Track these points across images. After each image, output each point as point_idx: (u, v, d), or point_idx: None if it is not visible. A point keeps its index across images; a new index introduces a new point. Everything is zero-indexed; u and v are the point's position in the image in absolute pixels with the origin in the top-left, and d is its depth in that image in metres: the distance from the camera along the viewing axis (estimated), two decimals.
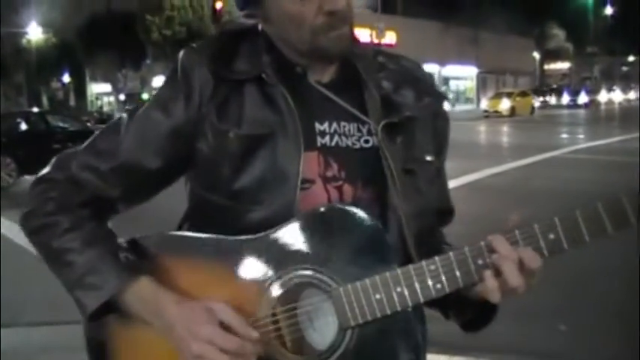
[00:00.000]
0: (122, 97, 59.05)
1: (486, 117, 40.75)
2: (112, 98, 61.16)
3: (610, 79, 77.43)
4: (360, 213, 1.16)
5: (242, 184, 1.21)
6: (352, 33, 1.26)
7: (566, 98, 57.37)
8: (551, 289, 5.58)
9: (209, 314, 1.13)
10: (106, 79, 56.40)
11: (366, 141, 1.27)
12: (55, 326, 4.97)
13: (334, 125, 1.26)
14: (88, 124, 18.27)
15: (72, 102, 59.29)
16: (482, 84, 66.35)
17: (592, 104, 55.59)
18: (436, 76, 62.64)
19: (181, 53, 1.28)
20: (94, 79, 59.89)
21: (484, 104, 41.29)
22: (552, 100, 59.31)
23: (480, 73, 66.08)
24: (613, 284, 5.56)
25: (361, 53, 1.33)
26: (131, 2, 47.19)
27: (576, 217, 1.08)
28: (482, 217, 6.82)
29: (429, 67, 59.86)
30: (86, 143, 1.29)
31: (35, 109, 22.36)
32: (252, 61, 1.25)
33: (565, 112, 46.16)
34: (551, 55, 78.01)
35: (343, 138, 1.26)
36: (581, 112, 46.19)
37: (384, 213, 1.24)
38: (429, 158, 1.32)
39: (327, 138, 1.25)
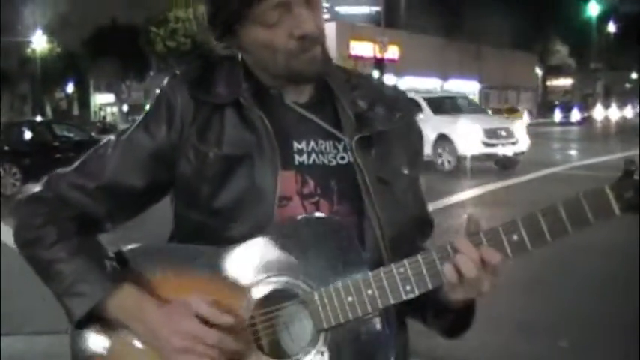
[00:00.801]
0: (125, 107, 59.26)
1: None
2: (115, 109, 61.39)
3: (612, 96, 77.53)
4: (333, 221, 1.24)
5: (221, 202, 1.27)
6: (325, 53, 1.31)
7: (558, 115, 54.33)
8: (551, 303, 5.62)
9: (186, 308, 1.18)
10: (109, 90, 56.62)
11: (342, 158, 1.32)
12: (55, 335, 4.98)
13: (311, 143, 1.31)
14: (92, 134, 18.28)
15: (75, 112, 59.48)
16: (484, 99, 66.44)
17: (586, 121, 52.63)
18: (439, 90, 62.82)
19: (165, 80, 1.36)
20: (98, 90, 60.13)
21: None
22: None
23: (483, 88, 66.23)
24: (614, 300, 5.57)
25: (334, 73, 1.38)
26: (136, 14, 47.48)
27: (537, 216, 1.13)
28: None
29: (432, 82, 59.99)
30: (75, 164, 1.36)
31: (39, 119, 22.41)
32: (231, 87, 1.32)
33: (557, 129, 43.88)
34: (553, 71, 78.24)
35: (320, 156, 1.31)
36: (574, 129, 43.98)
37: (360, 224, 1.28)
38: (404, 171, 1.37)
39: (305, 156, 1.30)
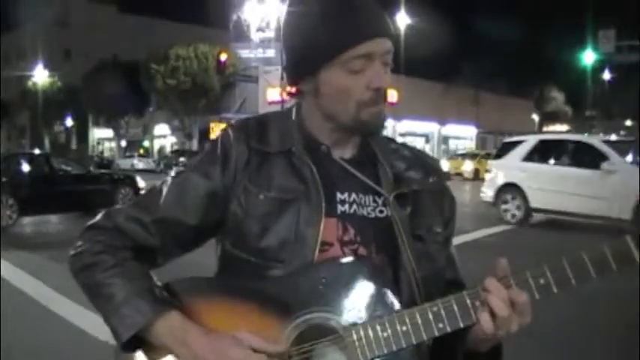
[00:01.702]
0: (124, 143, 59.40)
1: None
2: (113, 144, 61.51)
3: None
4: (372, 263, 1.33)
5: (267, 242, 1.35)
6: (384, 112, 1.41)
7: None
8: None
9: (237, 340, 1.24)
10: (108, 125, 56.78)
11: (381, 211, 1.41)
12: None
13: (353, 195, 1.40)
14: (90, 168, 18.30)
15: (74, 145, 59.57)
16: (481, 144, 66.80)
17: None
18: (436, 135, 63.20)
19: (223, 130, 1.48)
20: (97, 124, 60.30)
21: (445, 165, 38.34)
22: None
23: (480, 133, 66.64)
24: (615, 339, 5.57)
25: (377, 136, 1.49)
26: (137, 51, 47.89)
27: (563, 264, 1.22)
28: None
29: (429, 126, 60.39)
30: (133, 200, 1.48)
31: (38, 151, 22.44)
32: (284, 138, 1.42)
33: None
34: (550, 118, 78.72)
35: (360, 207, 1.40)
36: None
37: (396, 273, 1.36)
38: (437, 229, 1.46)
39: (347, 206, 1.39)
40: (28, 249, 10.75)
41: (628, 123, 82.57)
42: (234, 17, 44.75)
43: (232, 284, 1.36)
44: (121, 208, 1.45)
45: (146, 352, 1.33)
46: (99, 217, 1.44)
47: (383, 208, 1.41)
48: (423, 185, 1.47)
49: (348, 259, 1.31)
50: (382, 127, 1.43)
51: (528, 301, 1.23)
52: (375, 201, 1.42)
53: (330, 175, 1.40)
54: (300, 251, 1.33)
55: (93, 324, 5.42)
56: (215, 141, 1.46)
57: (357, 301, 1.26)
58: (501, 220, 13.78)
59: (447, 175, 1.59)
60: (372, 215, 1.40)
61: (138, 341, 1.30)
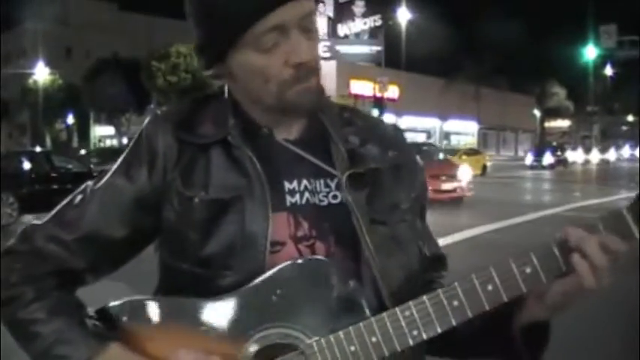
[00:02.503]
0: (125, 140, 59.39)
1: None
2: (114, 141, 61.53)
3: (609, 138, 77.99)
4: (329, 264, 1.15)
5: (210, 250, 1.18)
6: (320, 86, 1.23)
7: (529, 158, 48.54)
8: None
9: None
10: (109, 122, 56.79)
11: (334, 196, 1.23)
12: None
13: (304, 182, 1.23)
14: (91, 166, 18.29)
15: (75, 143, 59.61)
16: (483, 140, 66.79)
17: (560, 165, 47.74)
18: (437, 131, 63.15)
19: (146, 121, 1.28)
20: (98, 122, 60.33)
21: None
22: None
23: (481, 128, 66.60)
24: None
25: (327, 108, 1.30)
26: (138, 48, 47.88)
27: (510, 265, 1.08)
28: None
29: (431, 122, 60.34)
30: (51, 214, 1.27)
31: (38, 149, 22.45)
32: (218, 125, 1.23)
33: (527, 173, 39.55)
34: (551, 113, 78.71)
35: (312, 195, 1.23)
36: (545, 173, 40.26)
37: (358, 267, 1.19)
38: (403, 206, 1.28)
39: (297, 196, 1.22)
40: None
41: (629, 118, 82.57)
42: None
43: (175, 302, 1.19)
44: (40, 225, 1.25)
45: None
46: (15, 238, 1.24)
47: (337, 193, 1.23)
48: (381, 162, 1.27)
49: (303, 260, 1.15)
50: (317, 104, 1.23)
51: (623, 247, 1.05)
52: (327, 185, 1.23)
53: (274, 163, 1.21)
54: (249, 255, 1.16)
55: None
56: (139, 136, 1.25)
57: (318, 310, 1.12)
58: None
59: (408, 147, 1.38)
60: (325, 202, 1.22)
61: None
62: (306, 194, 1.23)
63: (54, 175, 15.03)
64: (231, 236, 1.17)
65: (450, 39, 53.55)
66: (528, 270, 1.08)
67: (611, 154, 66.79)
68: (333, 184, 1.24)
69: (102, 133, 63.42)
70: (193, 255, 1.18)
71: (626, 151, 73.91)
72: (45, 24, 55.65)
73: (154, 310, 1.19)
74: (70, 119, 58.21)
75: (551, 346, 1.18)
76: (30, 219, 14.66)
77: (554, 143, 59.59)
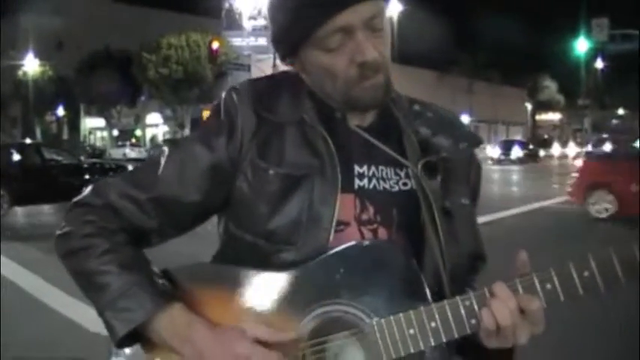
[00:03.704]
0: (115, 132, 59.20)
1: None
2: (105, 133, 61.30)
3: (600, 132, 78.32)
4: (396, 249, 1.18)
5: (277, 223, 1.21)
6: (388, 81, 1.28)
7: (496, 151, 45.37)
8: None
9: (241, 332, 1.13)
10: (100, 115, 56.54)
11: (405, 184, 1.28)
12: None
13: (372, 168, 1.27)
14: (81, 158, 18.22)
15: (65, 135, 59.34)
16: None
17: (531, 160, 44.53)
18: None
19: (225, 93, 1.31)
20: (89, 114, 60.04)
21: None
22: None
23: (473, 121, 66.68)
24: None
25: (397, 100, 1.35)
26: (129, 40, 47.64)
27: (570, 270, 1.11)
28: None
29: None
30: (126, 173, 1.31)
31: (29, 141, 22.34)
32: (294, 105, 1.27)
33: (495, 167, 36.88)
34: (543, 107, 78.97)
35: (381, 181, 1.26)
36: (513, 168, 37.06)
37: (420, 255, 1.22)
38: (464, 201, 1.32)
39: (366, 180, 1.25)
40: (20, 240, 10.70)
41: (620, 112, 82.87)
42: (226, 5, 44.50)
43: (238, 271, 1.20)
44: (112, 182, 1.28)
45: (144, 348, 1.19)
46: (87, 192, 1.28)
47: (407, 181, 1.27)
48: (453, 152, 1.31)
49: (370, 242, 1.19)
50: (382, 100, 1.28)
51: (541, 308, 1.12)
52: (397, 173, 1.28)
53: (346, 146, 1.25)
54: (314, 232, 1.19)
55: (85, 316, 5.37)
56: (218, 106, 1.30)
57: (380, 291, 1.14)
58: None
59: (478, 139, 1.41)
60: (395, 189, 1.26)
61: (135, 336, 1.17)
62: (374, 180, 1.26)
63: (44, 167, 14.97)
64: (298, 212, 1.21)
65: (443, 31, 53.56)
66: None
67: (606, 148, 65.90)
68: (402, 173, 1.28)
69: (92, 125, 63.12)
70: (259, 226, 1.22)
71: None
72: (36, 16, 55.34)
73: (218, 277, 1.22)
74: (61, 111, 57.92)
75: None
76: (21, 211, 14.70)
77: (546, 136, 59.65)
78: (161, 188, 1.25)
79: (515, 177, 30.41)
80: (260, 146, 1.24)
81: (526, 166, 40.25)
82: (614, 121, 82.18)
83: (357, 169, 1.26)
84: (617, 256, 1.09)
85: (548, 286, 1.11)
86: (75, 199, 1.28)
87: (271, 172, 1.23)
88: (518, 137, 71.72)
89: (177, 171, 1.26)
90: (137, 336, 1.17)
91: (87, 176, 15.30)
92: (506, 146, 46.41)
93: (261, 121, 1.26)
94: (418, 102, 1.40)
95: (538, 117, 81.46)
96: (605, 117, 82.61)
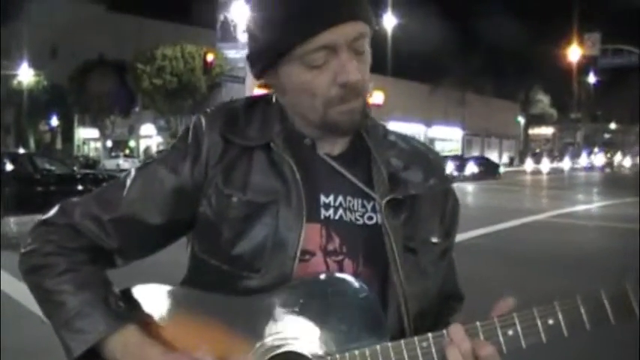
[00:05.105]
0: (109, 143, 59.07)
1: None
2: (98, 144, 61.16)
3: (592, 145, 78.61)
4: (357, 284, 1.15)
5: (241, 249, 1.21)
6: (365, 107, 1.25)
7: (472, 167, 41.63)
8: None
9: None
10: (94, 125, 56.44)
11: (370, 217, 1.26)
12: None
13: (340, 199, 1.25)
14: (75, 168, 18.19)
15: (59, 145, 59.21)
16: (467, 146, 67.04)
17: (490, 176, 39.64)
18: (422, 137, 63.36)
19: (195, 117, 1.31)
20: (82, 124, 59.95)
21: None
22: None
23: (466, 134, 66.87)
24: None
25: (373, 128, 1.33)
26: (123, 49, 47.65)
27: (534, 316, 1.10)
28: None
29: (416, 128, 60.46)
30: (92, 193, 1.32)
31: (22, 151, 22.28)
32: (263, 129, 1.26)
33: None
34: (535, 120, 79.18)
35: (348, 212, 1.25)
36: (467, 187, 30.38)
37: (384, 290, 1.22)
38: (434, 240, 1.30)
39: (332, 211, 1.24)
40: (10, 249, 10.65)
41: (612, 126, 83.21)
42: (221, 17, 44.62)
43: (199, 295, 1.21)
44: (79, 201, 1.29)
45: None
46: (53, 211, 1.29)
47: (372, 215, 1.26)
48: (421, 189, 1.29)
49: (332, 276, 1.18)
50: (359, 125, 1.26)
51: (495, 353, 1.10)
52: (364, 206, 1.26)
53: (313, 175, 1.24)
54: (279, 260, 1.19)
55: None
56: (186, 130, 1.30)
57: (338, 326, 1.13)
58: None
59: (448, 179, 1.39)
60: (360, 222, 1.25)
61: (90, 356, 1.18)
62: (341, 210, 1.25)
63: (37, 177, 14.93)
64: (263, 239, 1.20)
65: (436, 44, 53.76)
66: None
67: (566, 163, 64.52)
68: (369, 206, 1.26)
69: (86, 135, 62.99)
70: (224, 252, 1.22)
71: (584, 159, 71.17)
72: (30, 24, 55.29)
73: (175, 299, 1.22)
74: (55, 121, 57.81)
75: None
76: (13, 221, 14.61)
77: (537, 150, 59.45)
78: (124, 209, 1.26)
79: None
80: (225, 171, 1.24)
81: (482, 183, 34.54)
82: (606, 135, 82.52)
83: (322, 198, 1.25)
84: (609, 299, 1.08)
85: (510, 332, 1.10)
86: (42, 218, 1.30)
87: (234, 199, 1.22)
88: (511, 152, 72.02)
89: (141, 193, 1.27)
90: (96, 353, 1.19)
91: (80, 187, 15.26)
92: (461, 161, 42.98)
93: (229, 146, 1.25)
94: (394, 133, 1.38)
95: (531, 131, 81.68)
96: (597, 130, 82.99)
